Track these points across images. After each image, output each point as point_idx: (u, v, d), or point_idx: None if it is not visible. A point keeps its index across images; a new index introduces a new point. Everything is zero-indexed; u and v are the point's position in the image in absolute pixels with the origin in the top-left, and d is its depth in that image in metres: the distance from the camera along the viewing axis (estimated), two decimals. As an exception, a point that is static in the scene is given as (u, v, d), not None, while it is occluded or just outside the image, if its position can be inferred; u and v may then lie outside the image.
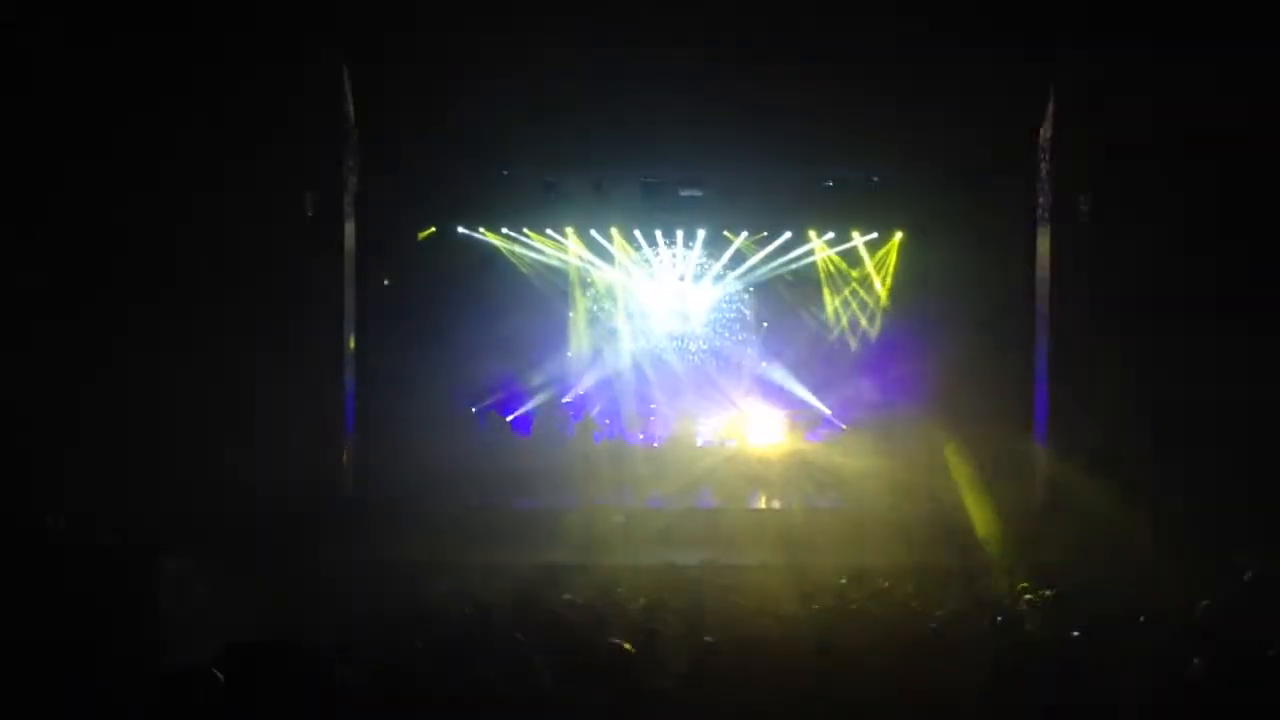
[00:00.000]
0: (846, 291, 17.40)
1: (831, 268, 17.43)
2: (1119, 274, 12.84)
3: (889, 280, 16.99)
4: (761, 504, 14.99)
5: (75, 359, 11.89)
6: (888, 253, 17.00)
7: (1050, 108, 13.43)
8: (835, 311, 17.49)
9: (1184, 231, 12.60)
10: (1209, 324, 12.51)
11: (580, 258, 17.25)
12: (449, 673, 4.17)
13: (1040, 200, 13.97)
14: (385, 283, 14.24)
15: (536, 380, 17.12)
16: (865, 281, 17.27)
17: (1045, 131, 13.68)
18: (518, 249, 17.07)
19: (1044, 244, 13.85)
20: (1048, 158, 13.63)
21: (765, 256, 17.26)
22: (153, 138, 12.15)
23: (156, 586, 7.78)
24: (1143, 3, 12.21)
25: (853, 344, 17.27)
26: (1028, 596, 8.23)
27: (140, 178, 12.20)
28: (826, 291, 17.52)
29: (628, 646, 4.80)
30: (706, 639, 5.81)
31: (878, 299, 17.17)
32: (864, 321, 17.31)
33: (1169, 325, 12.66)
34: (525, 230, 16.86)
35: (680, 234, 17.13)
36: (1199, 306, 12.61)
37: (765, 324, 17.87)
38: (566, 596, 8.09)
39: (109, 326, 12.11)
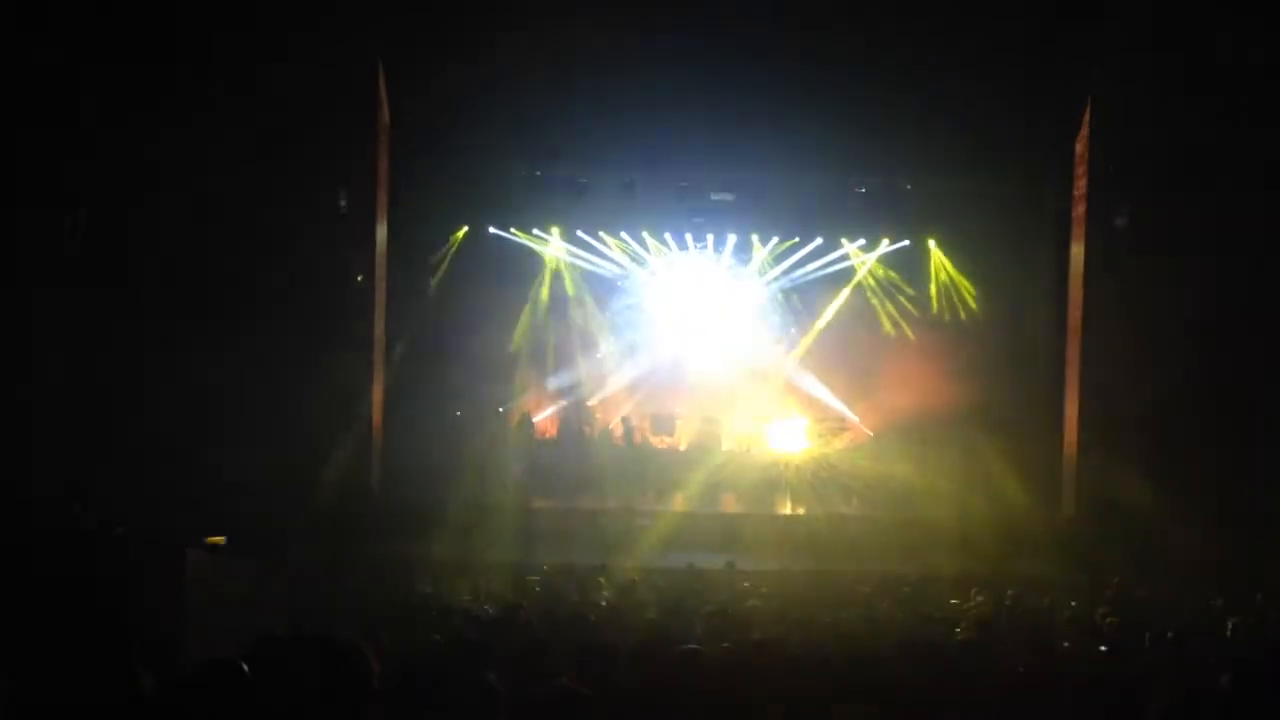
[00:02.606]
0: (877, 297, 17.33)
1: (863, 273, 17.37)
2: (1152, 284, 12.71)
3: (927, 286, 16.88)
4: (786, 509, 14.95)
5: (107, 355, 12.01)
6: (926, 260, 16.90)
7: (1087, 118, 13.33)
8: (865, 316, 17.43)
9: (1220, 243, 12.47)
10: (1245, 337, 12.38)
11: (610, 259, 17.28)
12: (469, 670, 4.20)
13: (1074, 210, 13.87)
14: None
15: (564, 381, 17.16)
16: (896, 287, 17.18)
17: (1081, 142, 13.58)
18: (549, 250, 17.11)
19: (1077, 253, 13.74)
20: (1083, 168, 13.53)
21: (796, 262, 17.23)
22: (186, 134, 12.25)
23: (184, 580, 7.85)
24: (1180, 13, 12.08)
25: (882, 349, 17.18)
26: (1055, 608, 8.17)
27: (172, 174, 12.30)
28: (855, 296, 17.47)
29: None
30: (724, 645, 5.80)
31: (909, 304, 17.09)
32: (895, 326, 17.22)
33: (1203, 338, 12.52)
34: (557, 231, 16.91)
35: (710, 238, 17.13)
36: (1234, 318, 12.47)
37: (793, 329, 17.83)
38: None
39: (140, 323, 12.22)
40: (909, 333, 16.98)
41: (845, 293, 17.48)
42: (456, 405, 15.62)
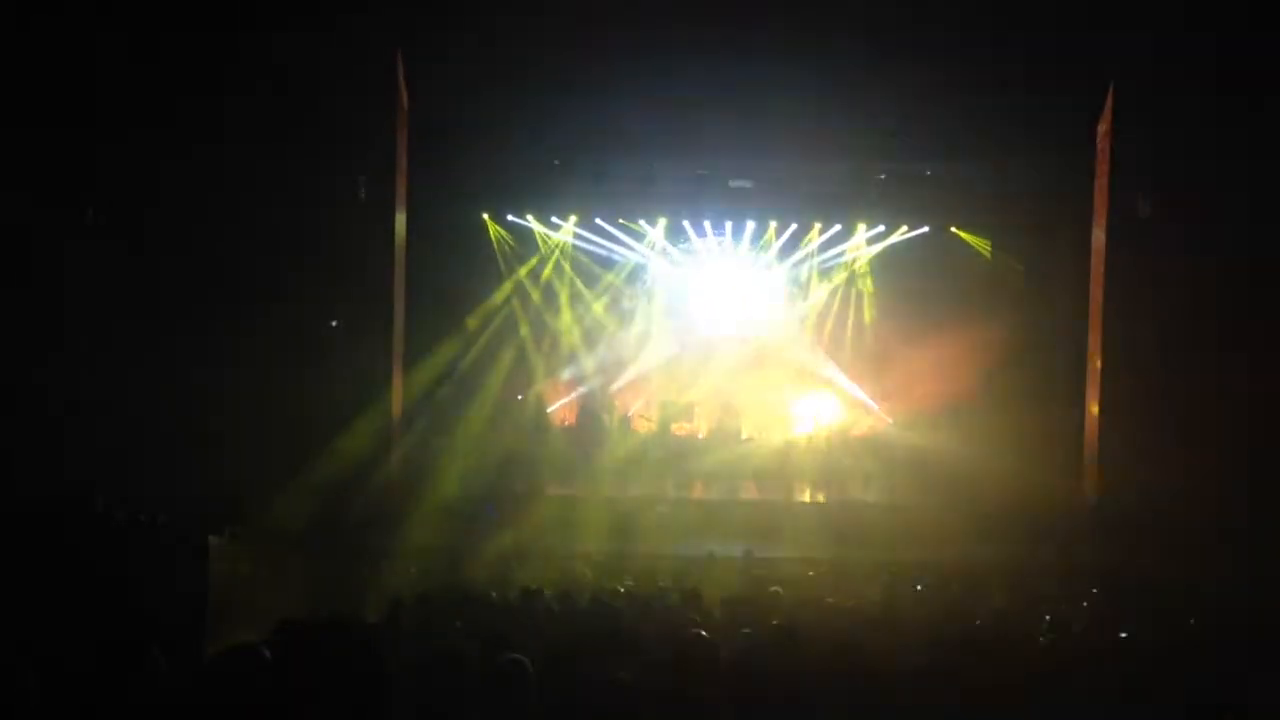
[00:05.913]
0: (896, 283, 17.25)
1: (882, 259, 17.28)
2: (1174, 269, 12.61)
3: (958, 271, 16.71)
4: (805, 496, 14.94)
5: (126, 345, 12.08)
6: (954, 243, 16.74)
7: (1109, 103, 13.21)
8: (883, 302, 17.38)
9: (1246, 230, 12.35)
10: (1268, 322, 12.28)
11: (632, 247, 17.27)
12: (490, 655, 4.22)
13: (1096, 196, 13.77)
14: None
15: (584, 369, 17.17)
16: (915, 273, 17.07)
17: (1103, 126, 13.46)
18: (566, 238, 17.11)
19: (1099, 238, 13.64)
20: (1105, 154, 13.41)
21: (814, 248, 17.17)
22: (203, 125, 12.29)
23: (208, 568, 7.93)
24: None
25: (901, 335, 17.10)
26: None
27: (190, 164, 12.35)
28: (874, 282, 17.41)
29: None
30: (744, 630, 5.82)
31: (927, 290, 16.98)
32: (912, 312, 17.13)
33: (1225, 323, 12.42)
34: (574, 219, 16.89)
35: (729, 225, 17.08)
36: (1257, 303, 12.36)
37: (811, 315, 17.77)
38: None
39: (159, 313, 12.29)
40: (927, 318, 16.86)
41: (863, 278, 17.43)
42: (472, 394, 15.69)
